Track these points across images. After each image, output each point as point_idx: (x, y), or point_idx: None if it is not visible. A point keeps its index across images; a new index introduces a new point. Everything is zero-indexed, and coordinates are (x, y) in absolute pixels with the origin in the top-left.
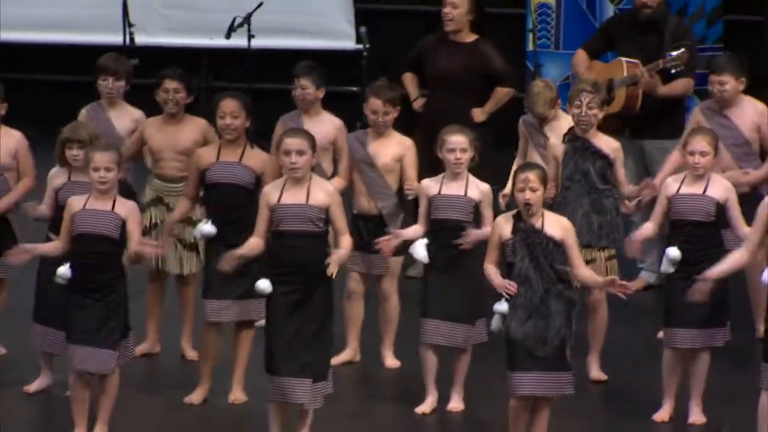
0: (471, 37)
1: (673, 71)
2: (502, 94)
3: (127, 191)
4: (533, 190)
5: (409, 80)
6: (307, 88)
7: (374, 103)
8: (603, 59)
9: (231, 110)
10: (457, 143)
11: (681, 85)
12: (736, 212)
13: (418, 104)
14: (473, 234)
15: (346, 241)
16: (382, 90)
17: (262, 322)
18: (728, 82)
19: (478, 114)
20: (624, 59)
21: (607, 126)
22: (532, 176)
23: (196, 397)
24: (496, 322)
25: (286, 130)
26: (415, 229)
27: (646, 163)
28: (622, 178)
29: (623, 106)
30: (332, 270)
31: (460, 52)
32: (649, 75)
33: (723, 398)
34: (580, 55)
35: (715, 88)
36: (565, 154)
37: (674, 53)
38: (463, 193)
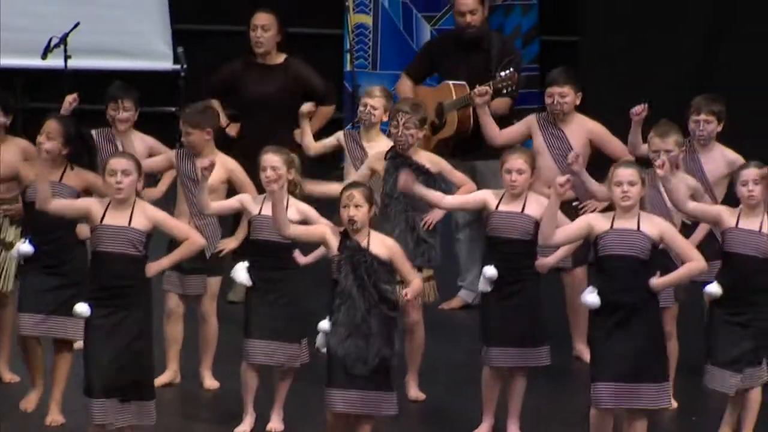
0: (280, 58)
1: (504, 92)
2: (325, 113)
3: None
4: (357, 206)
5: (218, 107)
6: (129, 110)
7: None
8: (429, 83)
9: (48, 130)
10: (269, 161)
11: (502, 105)
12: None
13: (233, 130)
14: (299, 259)
15: (195, 239)
16: (192, 116)
17: (80, 344)
18: (568, 95)
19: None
20: (451, 82)
21: (437, 150)
22: (356, 193)
23: (29, 404)
24: (320, 340)
25: (113, 154)
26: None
27: (478, 184)
28: (461, 177)
29: (456, 129)
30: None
31: (274, 74)
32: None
33: (541, 418)
34: (404, 82)
35: (555, 100)
36: (386, 171)
37: (503, 73)
38: None
